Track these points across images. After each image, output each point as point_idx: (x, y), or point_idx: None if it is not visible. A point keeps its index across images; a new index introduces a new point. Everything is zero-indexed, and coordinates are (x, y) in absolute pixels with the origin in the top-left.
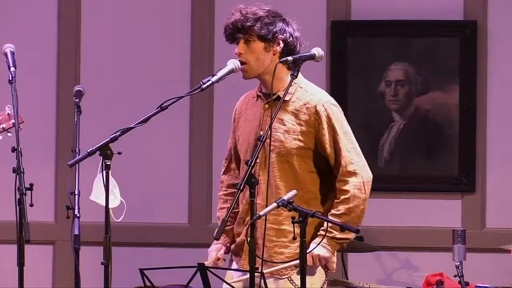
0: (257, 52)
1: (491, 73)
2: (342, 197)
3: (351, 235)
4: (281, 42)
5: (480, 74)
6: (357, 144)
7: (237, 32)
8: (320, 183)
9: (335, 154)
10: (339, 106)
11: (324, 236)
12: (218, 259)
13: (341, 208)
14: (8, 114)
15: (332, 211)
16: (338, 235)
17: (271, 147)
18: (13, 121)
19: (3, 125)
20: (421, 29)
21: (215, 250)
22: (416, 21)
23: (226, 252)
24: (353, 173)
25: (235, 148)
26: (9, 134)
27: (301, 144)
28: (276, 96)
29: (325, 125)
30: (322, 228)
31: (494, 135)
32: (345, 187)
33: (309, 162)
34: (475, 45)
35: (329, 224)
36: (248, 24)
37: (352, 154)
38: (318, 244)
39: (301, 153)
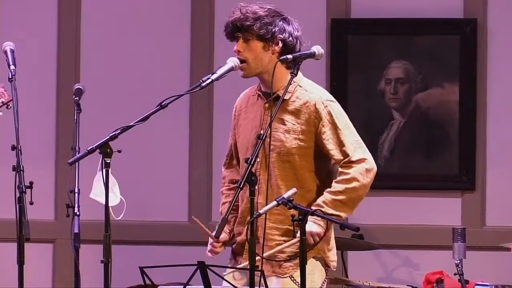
0: (256, 51)
1: (491, 71)
2: (341, 177)
3: (343, 213)
4: (280, 42)
5: (480, 72)
6: (359, 138)
7: (236, 30)
8: (321, 182)
9: (339, 148)
10: (338, 103)
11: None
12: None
13: (338, 187)
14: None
15: (328, 189)
16: (330, 210)
17: (272, 147)
18: (2, 99)
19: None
20: (421, 27)
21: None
22: (416, 19)
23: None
24: (358, 161)
25: (235, 145)
26: None
27: (302, 143)
28: (275, 95)
29: (326, 123)
30: (314, 203)
31: (494, 133)
32: (347, 170)
33: (310, 161)
34: (475, 43)
35: (322, 200)
36: (248, 23)
37: (356, 147)
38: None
39: (301, 152)
